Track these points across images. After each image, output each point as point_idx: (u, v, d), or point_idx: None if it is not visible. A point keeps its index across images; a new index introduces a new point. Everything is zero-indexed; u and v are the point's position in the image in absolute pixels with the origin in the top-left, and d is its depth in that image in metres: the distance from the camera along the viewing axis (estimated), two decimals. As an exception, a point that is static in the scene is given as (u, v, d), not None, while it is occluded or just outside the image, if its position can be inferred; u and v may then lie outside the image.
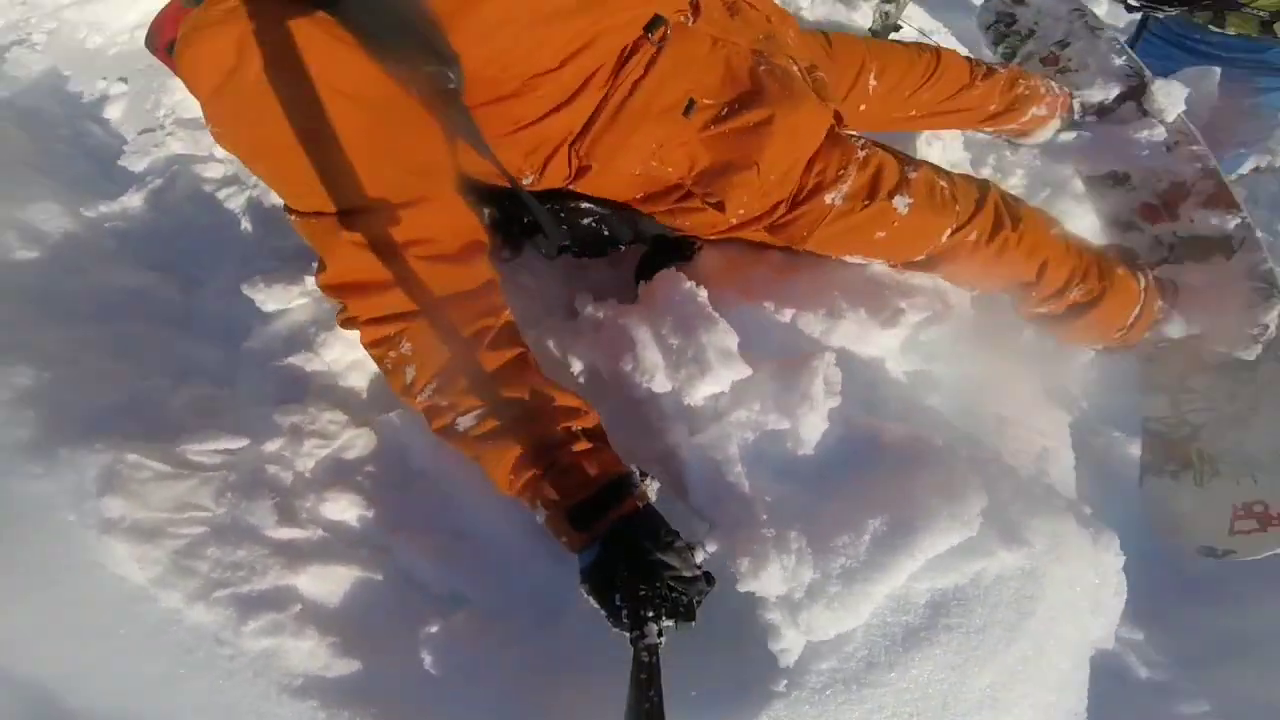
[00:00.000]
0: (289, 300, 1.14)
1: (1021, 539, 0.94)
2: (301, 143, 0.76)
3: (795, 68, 1.08)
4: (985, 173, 1.61)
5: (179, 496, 0.92)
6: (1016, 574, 0.94)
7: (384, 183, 0.80)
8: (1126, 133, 1.49)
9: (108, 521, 0.86)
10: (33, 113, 1.47)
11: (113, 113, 1.57)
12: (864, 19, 1.91)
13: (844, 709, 0.84)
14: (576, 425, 0.86)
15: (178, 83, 0.78)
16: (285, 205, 0.84)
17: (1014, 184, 1.59)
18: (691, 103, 0.97)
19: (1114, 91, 1.53)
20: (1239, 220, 1.33)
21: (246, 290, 1.09)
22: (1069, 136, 1.55)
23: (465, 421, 0.85)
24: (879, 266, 1.17)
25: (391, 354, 0.85)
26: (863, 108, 1.37)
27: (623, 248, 1.14)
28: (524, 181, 0.97)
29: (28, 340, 0.97)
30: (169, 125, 1.45)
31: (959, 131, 1.61)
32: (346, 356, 1.14)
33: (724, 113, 0.98)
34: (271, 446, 1.01)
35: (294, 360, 1.10)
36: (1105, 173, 1.52)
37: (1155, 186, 1.46)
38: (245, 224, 1.27)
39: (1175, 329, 1.26)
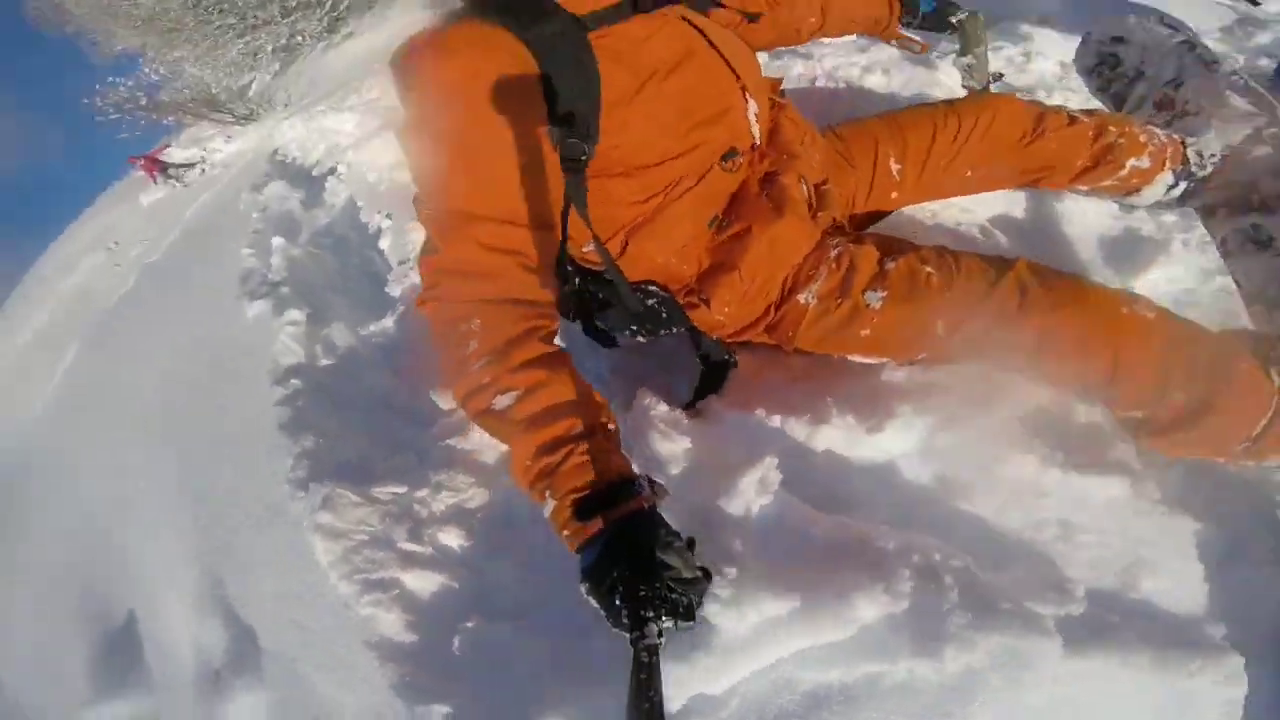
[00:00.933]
0: (453, 402, 1.66)
1: (937, 653, 0.87)
2: (472, 155, 0.94)
3: (802, 185, 1.18)
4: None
5: (359, 517, 1.44)
6: (931, 687, 0.87)
7: (520, 204, 0.96)
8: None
9: (318, 527, 1.40)
10: (341, 241, 2.03)
11: (384, 243, 1.93)
12: (948, 78, 1.81)
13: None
14: (599, 422, 0.96)
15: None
16: (419, 197, 1.00)
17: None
18: (716, 217, 1.15)
19: (1239, 134, 1.27)
20: None
21: (432, 395, 1.65)
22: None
23: (502, 401, 0.95)
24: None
25: (462, 327, 0.97)
26: (895, 195, 1.36)
27: (675, 330, 1.23)
28: (584, 249, 1.11)
29: (316, 421, 1.66)
30: (413, 260, 1.90)
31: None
32: (486, 439, 1.58)
33: (724, 223, 1.15)
34: (420, 493, 1.47)
35: (452, 441, 1.59)
36: (1246, 232, 1.23)
37: None
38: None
39: None
